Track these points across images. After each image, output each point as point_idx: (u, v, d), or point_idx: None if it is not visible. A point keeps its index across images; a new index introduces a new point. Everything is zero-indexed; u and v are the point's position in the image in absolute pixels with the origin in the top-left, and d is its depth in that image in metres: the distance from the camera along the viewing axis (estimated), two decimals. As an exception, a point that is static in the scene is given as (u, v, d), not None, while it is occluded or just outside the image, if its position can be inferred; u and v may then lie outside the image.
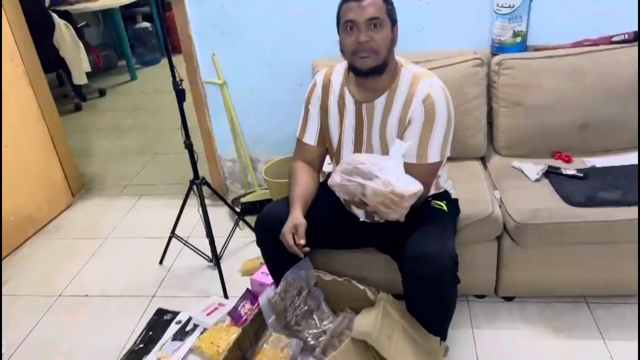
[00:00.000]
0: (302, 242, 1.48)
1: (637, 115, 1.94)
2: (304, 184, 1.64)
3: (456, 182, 1.83)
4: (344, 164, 1.42)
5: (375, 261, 1.73)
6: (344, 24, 1.47)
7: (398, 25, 1.50)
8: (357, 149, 1.59)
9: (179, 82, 1.97)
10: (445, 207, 1.62)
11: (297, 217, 1.52)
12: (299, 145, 1.72)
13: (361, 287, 1.61)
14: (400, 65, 1.53)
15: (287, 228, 1.51)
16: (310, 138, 1.68)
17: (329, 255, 1.79)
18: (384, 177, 1.33)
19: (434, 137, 1.47)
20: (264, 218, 1.67)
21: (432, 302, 1.49)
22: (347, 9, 1.45)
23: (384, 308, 1.48)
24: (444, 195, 1.66)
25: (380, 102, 1.52)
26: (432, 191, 1.63)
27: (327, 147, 1.70)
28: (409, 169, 1.44)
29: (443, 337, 1.56)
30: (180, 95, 1.98)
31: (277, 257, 1.71)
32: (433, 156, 1.49)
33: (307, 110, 1.68)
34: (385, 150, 1.54)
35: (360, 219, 1.66)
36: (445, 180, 1.70)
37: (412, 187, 1.34)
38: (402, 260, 1.47)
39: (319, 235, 1.62)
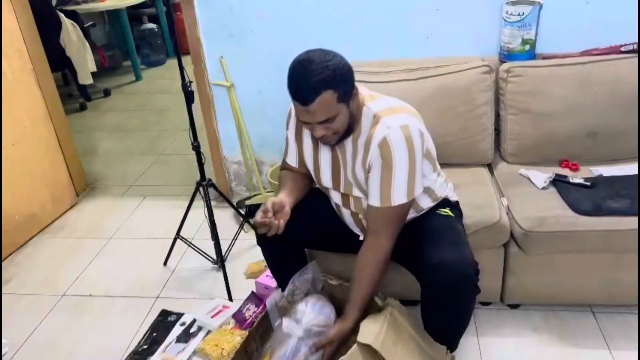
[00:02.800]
0: (269, 214, 1.48)
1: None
2: (289, 180, 1.66)
3: (463, 188, 1.83)
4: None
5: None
6: (295, 115, 1.44)
7: (357, 88, 1.43)
8: (335, 184, 1.58)
9: (188, 84, 1.97)
10: (450, 213, 1.62)
11: (270, 198, 1.53)
12: (284, 162, 1.73)
13: (368, 292, 1.60)
14: (362, 105, 1.47)
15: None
16: (292, 161, 1.69)
17: (336, 260, 1.79)
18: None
19: (395, 181, 1.41)
20: None
21: (450, 312, 1.48)
22: (296, 106, 1.39)
23: (391, 314, 1.48)
24: (445, 203, 1.65)
25: (348, 145, 1.49)
26: (430, 204, 1.60)
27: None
28: (373, 212, 1.46)
29: (453, 349, 1.56)
30: (189, 97, 1.98)
31: (278, 258, 1.72)
32: (397, 198, 1.43)
33: (287, 134, 1.67)
34: (361, 189, 1.52)
35: (360, 238, 1.66)
36: (443, 189, 1.65)
37: None
38: (422, 270, 1.45)
39: (327, 238, 1.63)
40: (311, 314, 1.51)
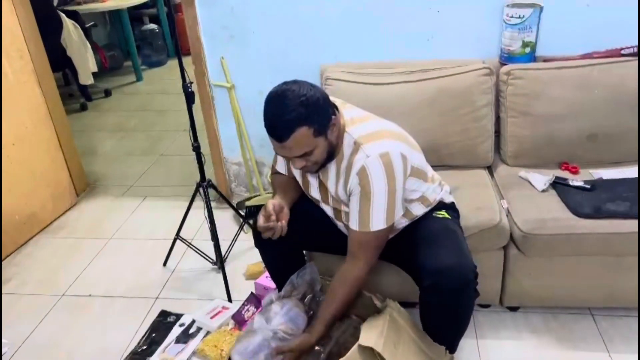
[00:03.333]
0: (272, 217, 1.49)
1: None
2: (283, 182, 1.68)
3: (463, 190, 1.83)
4: None
5: (382, 268, 1.73)
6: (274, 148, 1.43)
7: (335, 115, 1.42)
8: (324, 199, 1.59)
9: (189, 85, 1.97)
10: (446, 215, 1.62)
11: (270, 201, 1.55)
12: (274, 168, 1.76)
13: (367, 293, 1.60)
14: (343, 131, 1.45)
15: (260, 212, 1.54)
16: (281, 169, 1.72)
17: (334, 261, 1.79)
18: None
19: (373, 208, 1.41)
20: None
21: (449, 315, 1.48)
22: (272, 142, 1.38)
23: (391, 315, 1.48)
24: (440, 206, 1.64)
25: (331, 168, 1.50)
26: (423, 210, 1.59)
27: None
28: (352, 234, 1.47)
29: (452, 351, 1.56)
30: (190, 98, 1.99)
31: (276, 259, 1.72)
32: (376, 224, 1.43)
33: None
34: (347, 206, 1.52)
35: None
36: (437, 193, 1.64)
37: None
38: (420, 274, 1.44)
39: (325, 239, 1.63)
40: (282, 319, 1.53)
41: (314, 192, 1.60)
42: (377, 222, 1.42)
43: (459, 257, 1.44)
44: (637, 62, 1.96)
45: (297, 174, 1.63)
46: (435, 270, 1.40)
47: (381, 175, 1.38)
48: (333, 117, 1.40)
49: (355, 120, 1.48)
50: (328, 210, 1.63)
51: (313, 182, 1.59)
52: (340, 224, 1.63)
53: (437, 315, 1.50)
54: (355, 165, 1.41)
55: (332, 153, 1.45)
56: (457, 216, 1.68)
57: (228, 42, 2.39)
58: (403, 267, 1.60)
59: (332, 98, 1.47)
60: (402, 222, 1.58)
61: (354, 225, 1.45)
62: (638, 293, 1.76)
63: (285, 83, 1.38)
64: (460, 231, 1.61)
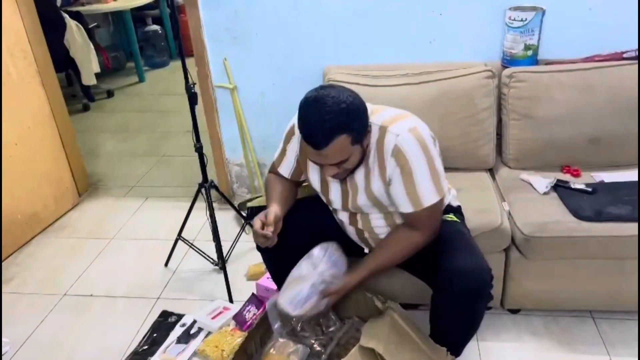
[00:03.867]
0: (270, 229, 1.46)
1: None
2: (280, 186, 1.63)
3: (464, 193, 1.83)
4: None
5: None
6: (306, 155, 1.40)
7: (370, 125, 1.39)
8: (345, 205, 1.55)
9: (192, 86, 1.98)
10: (455, 218, 1.62)
11: (271, 209, 1.52)
12: (274, 169, 1.69)
13: (369, 295, 1.60)
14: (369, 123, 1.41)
15: (258, 215, 1.50)
16: (285, 171, 1.65)
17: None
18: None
19: (419, 183, 1.38)
20: None
21: (462, 318, 1.47)
22: (307, 148, 1.34)
23: (392, 317, 1.48)
24: (449, 209, 1.64)
25: (359, 173, 1.47)
26: None
27: (302, 181, 1.69)
28: (409, 217, 1.44)
29: (458, 354, 1.56)
30: (193, 99, 1.99)
31: (278, 262, 1.71)
32: (428, 199, 1.39)
33: (284, 147, 1.62)
34: (377, 205, 1.50)
35: (365, 251, 1.66)
36: (447, 196, 1.63)
37: (289, 307, 1.44)
38: (438, 276, 1.42)
39: (328, 240, 1.62)
40: (327, 263, 1.47)
41: (334, 196, 1.56)
42: (428, 196, 1.39)
43: (476, 260, 1.43)
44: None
45: (315, 179, 1.58)
46: (454, 272, 1.38)
47: (416, 147, 1.36)
48: (369, 124, 1.38)
49: (374, 110, 1.45)
50: (343, 215, 1.60)
51: (335, 187, 1.54)
52: (352, 229, 1.61)
53: (449, 318, 1.49)
54: (387, 148, 1.38)
55: (363, 158, 1.43)
56: (464, 219, 1.68)
57: (231, 44, 2.40)
58: (414, 271, 1.60)
59: None
60: None
61: (406, 208, 1.41)
62: (638, 296, 1.77)
63: (322, 87, 1.33)
64: (469, 233, 1.61)
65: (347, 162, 1.36)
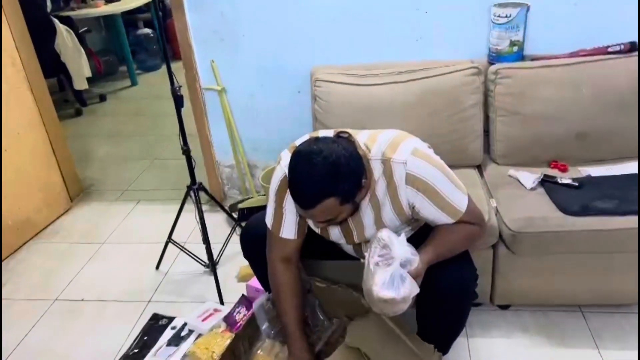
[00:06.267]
0: None
1: (632, 125, 1.95)
2: (296, 297, 1.53)
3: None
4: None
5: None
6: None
7: (366, 178, 1.33)
8: (349, 240, 1.51)
9: (177, 88, 1.99)
10: None
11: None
12: (275, 240, 1.53)
13: (356, 293, 1.60)
14: (367, 159, 1.36)
15: None
16: (289, 232, 1.50)
17: (323, 262, 1.79)
18: (366, 285, 1.30)
19: (447, 196, 1.37)
20: (249, 230, 1.67)
21: (448, 316, 1.48)
22: (295, 205, 1.32)
23: (379, 316, 1.48)
24: None
25: (366, 210, 1.42)
26: None
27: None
28: (454, 227, 1.41)
29: (445, 351, 1.56)
30: (179, 101, 2.00)
31: (265, 269, 1.64)
32: (460, 204, 1.40)
33: (279, 205, 1.48)
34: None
35: (361, 261, 1.64)
36: None
37: (391, 293, 1.26)
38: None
39: (317, 248, 1.61)
40: (401, 242, 1.34)
41: (336, 237, 1.52)
42: (460, 201, 1.40)
43: (459, 258, 1.43)
44: (624, 60, 1.97)
45: (313, 223, 1.52)
46: (437, 271, 1.38)
47: (428, 168, 1.36)
48: (364, 180, 1.32)
49: (369, 144, 1.39)
50: (348, 248, 1.58)
51: (334, 231, 1.50)
52: (348, 247, 1.58)
53: (435, 317, 1.49)
54: (399, 178, 1.35)
55: (357, 209, 1.39)
56: None
57: (218, 46, 2.40)
58: None
59: (341, 130, 1.40)
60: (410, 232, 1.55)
61: (447, 221, 1.40)
62: (638, 292, 1.77)
63: (316, 140, 1.30)
64: None
65: (337, 218, 1.34)
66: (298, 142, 1.42)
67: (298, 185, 1.27)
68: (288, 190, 1.38)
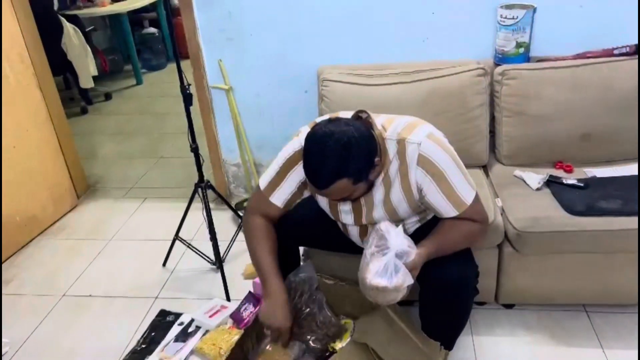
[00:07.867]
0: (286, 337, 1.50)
1: (637, 127, 1.97)
2: (270, 241, 1.55)
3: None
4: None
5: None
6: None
7: (380, 157, 1.36)
8: (358, 221, 1.53)
9: (187, 87, 2.00)
10: None
11: (281, 317, 1.48)
12: (262, 202, 1.55)
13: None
14: (383, 139, 1.38)
15: (271, 322, 1.49)
16: (279, 200, 1.54)
17: (331, 259, 1.81)
18: (361, 273, 1.34)
19: (455, 184, 1.38)
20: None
21: (449, 312, 1.49)
22: (309, 184, 1.36)
23: (385, 311, 1.50)
24: None
25: (378, 188, 1.44)
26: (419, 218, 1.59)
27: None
28: (456, 224, 1.43)
29: (450, 348, 1.57)
30: (188, 100, 2.01)
31: None
32: (467, 196, 1.40)
33: (283, 172, 1.50)
34: (393, 217, 1.48)
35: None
36: None
37: (384, 281, 1.30)
38: (424, 271, 1.41)
39: (323, 238, 1.63)
40: (400, 233, 1.39)
41: (346, 216, 1.54)
42: (467, 193, 1.40)
43: (460, 254, 1.45)
44: (630, 61, 1.98)
45: (323, 202, 1.56)
46: (438, 267, 1.40)
47: (440, 152, 1.37)
48: (377, 159, 1.35)
49: (385, 125, 1.42)
50: (354, 230, 1.59)
51: (345, 208, 1.51)
52: (355, 228, 1.59)
53: (437, 312, 1.51)
54: (411, 158, 1.37)
55: (372, 187, 1.42)
56: None
57: (226, 45, 2.42)
58: None
59: (361, 110, 1.42)
60: (415, 224, 1.57)
61: (450, 212, 1.41)
62: (638, 292, 1.78)
63: (329, 122, 1.32)
64: None
65: (352, 195, 1.36)
66: (319, 120, 1.45)
67: (310, 169, 1.32)
68: (298, 164, 1.43)
